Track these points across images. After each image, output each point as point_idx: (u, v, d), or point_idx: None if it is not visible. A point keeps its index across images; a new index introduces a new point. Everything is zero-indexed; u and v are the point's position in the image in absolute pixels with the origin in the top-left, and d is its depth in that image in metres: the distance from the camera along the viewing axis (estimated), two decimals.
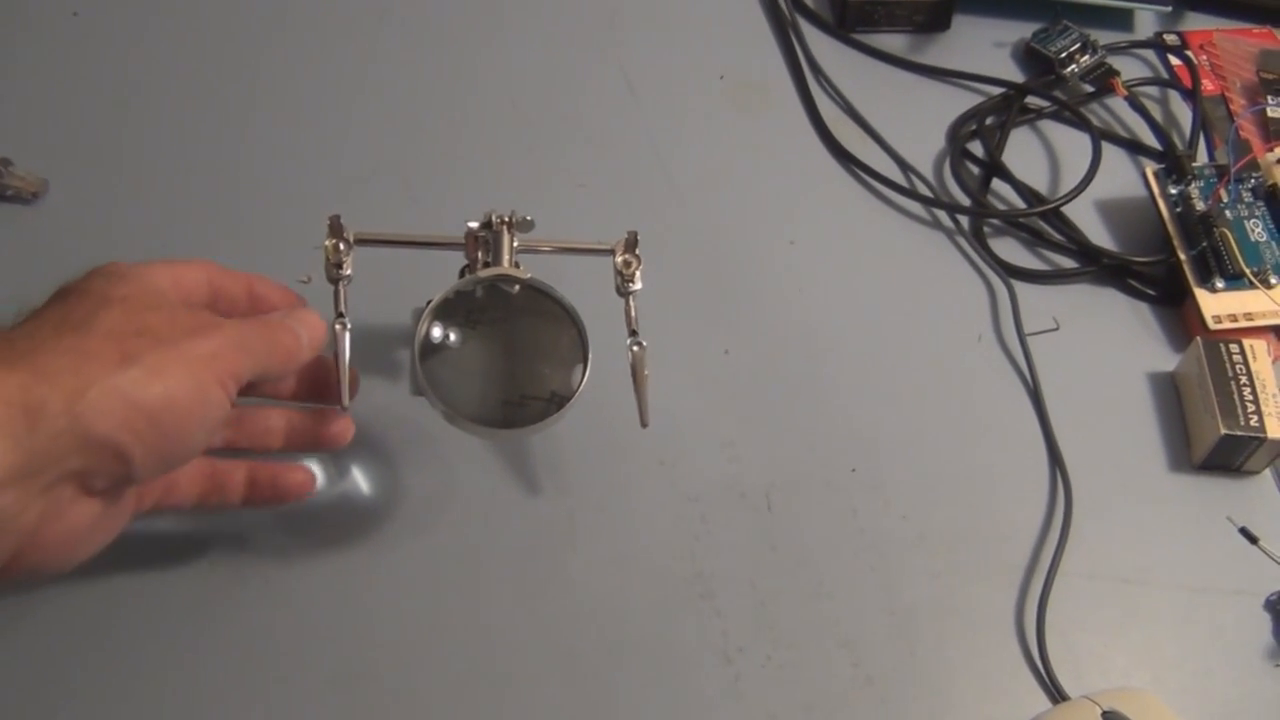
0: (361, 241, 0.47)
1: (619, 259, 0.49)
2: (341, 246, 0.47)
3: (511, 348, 0.47)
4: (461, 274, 0.50)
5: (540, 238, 0.49)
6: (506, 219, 0.48)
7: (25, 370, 0.35)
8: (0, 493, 0.34)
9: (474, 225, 0.48)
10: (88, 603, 0.47)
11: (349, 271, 0.47)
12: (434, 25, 0.69)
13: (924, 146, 0.67)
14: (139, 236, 0.57)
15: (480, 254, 0.48)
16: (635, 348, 0.48)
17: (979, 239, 0.63)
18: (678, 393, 0.55)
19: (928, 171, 0.66)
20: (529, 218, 0.48)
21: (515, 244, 0.48)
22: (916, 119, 0.68)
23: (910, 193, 0.64)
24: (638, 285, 0.49)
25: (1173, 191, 0.62)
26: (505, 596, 0.49)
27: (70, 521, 0.37)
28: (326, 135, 0.63)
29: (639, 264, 0.49)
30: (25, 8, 0.67)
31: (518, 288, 0.47)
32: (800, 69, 0.70)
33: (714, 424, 0.55)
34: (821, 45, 0.71)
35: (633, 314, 0.49)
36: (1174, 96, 0.71)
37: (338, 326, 0.46)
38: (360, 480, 0.52)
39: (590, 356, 0.46)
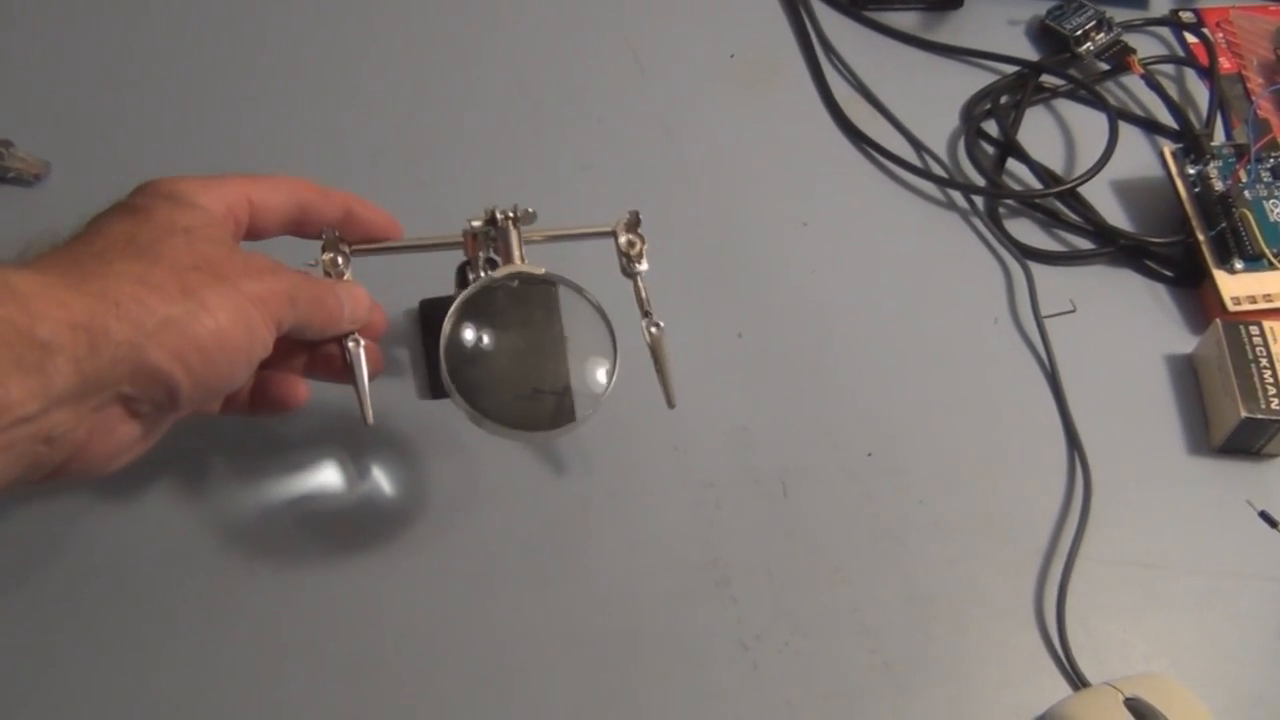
0: (359, 252, 0.47)
1: (622, 240, 0.48)
2: (340, 260, 0.46)
3: (537, 347, 0.46)
4: (460, 271, 0.49)
5: (540, 226, 0.48)
6: (511, 214, 0.46)
7: (94, 295, 0.35)
8: (58, 411, 0.35)
9: (476, 223, 0.47)
10: (99, 595, 0.46)
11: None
12: (439, 3, 0.68)
13: (938, 126, 0.66)
14: None
15: (480, 252, 0.47)
16: (653, 329, 0.47)
17: (994, 220, 0.62)
18: (690, 378, 0.54)
19: (942, 151, 0.65)
20: (531, 210, 0.47)
21: (522, 238, 0.47)
22: (930, 98, 0.67)
23: (924, 173, 0.64)
24: (644, 266, 0.48)
25: (1191, 171, 0.62)
26: (519, 585, 0.48)
27: (113, 438, 0.38)
28: (331, 115, 0.62)
29: (643, 243, 0.48)
30: None
31: (539, 284, 0.46)
32: (812, 47, 0.69)
33: (728, 409, 0.54)
34: (833, 23, 0.70)
35: (643, 295, 0.48)
36: (1190, 75, 0.70)
37: (351, 344, 0.45)
38: (373, 472, 0.51)
39: (619, 353, 0.45)
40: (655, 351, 0.47)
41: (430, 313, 0.54)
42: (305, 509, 0.49)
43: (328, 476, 0.50)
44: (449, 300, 0.51)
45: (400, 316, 0.54)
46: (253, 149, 0.60)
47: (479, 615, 0.47)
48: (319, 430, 0.51)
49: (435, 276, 0.51)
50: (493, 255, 0.48)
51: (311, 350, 0.45)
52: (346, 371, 0.45)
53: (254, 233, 0.44)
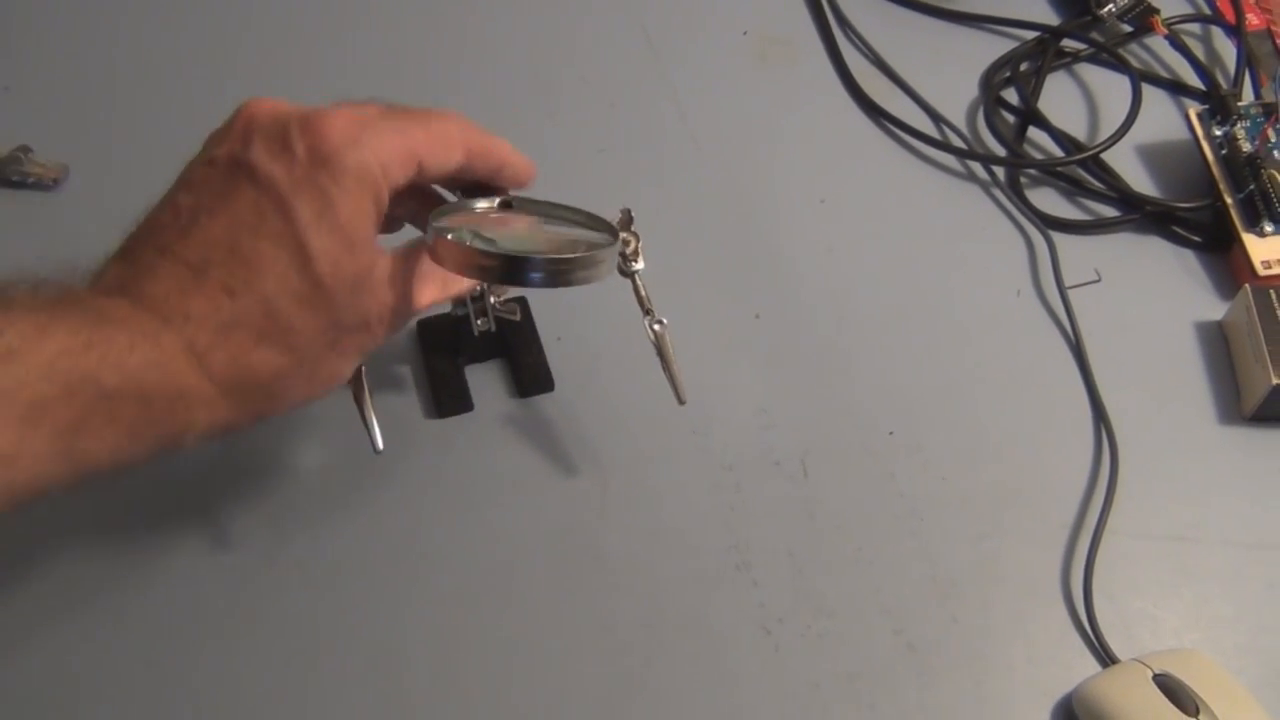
0: None
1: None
2: None
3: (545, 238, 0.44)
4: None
5: None
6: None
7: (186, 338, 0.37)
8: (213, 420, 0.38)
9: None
10: (121, 596, 0.47)
11: None
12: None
13: (956, 96, 0.65)
14: None
15: None
16: (656, 326, 0.47)
17: (1016, 190, 0.61)
18: (709, 360, 0.54)
19: (961, 122, 0.64)
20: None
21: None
22: (948, 68, 0.66)
23: (943, 145, 0.62)
24: (640, 264, 0.47)
25: (1217, 133, 0.60)
26: (539, 571, 0.48)
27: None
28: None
29: (638, 240, 0.47)
30: None
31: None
32: (826, 21, 0.68)
33: (746, 391, 0.54)
34: None
35: (643, 293, 0.47)
36: (1217, 33, 0.68)
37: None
38: (390, 459, 0.51)
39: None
40: (660, 349, 0.47)
41: (429, 333, 0.53)
42: (322, 496, 0.50)
43: (344, 479, 0.51)
44: (446, 319, 0.51)
45: (400, 336, 0.54)
46: None
47: (498, 602, 0.47)
48: (330, 443, 0.51)
49: None
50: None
51: None
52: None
53: (411, 192, 0.41)
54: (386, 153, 0.38)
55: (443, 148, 0.40)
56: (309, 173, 0.37)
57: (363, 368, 0.45)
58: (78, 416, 0.34)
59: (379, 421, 0.45)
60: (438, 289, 0.43)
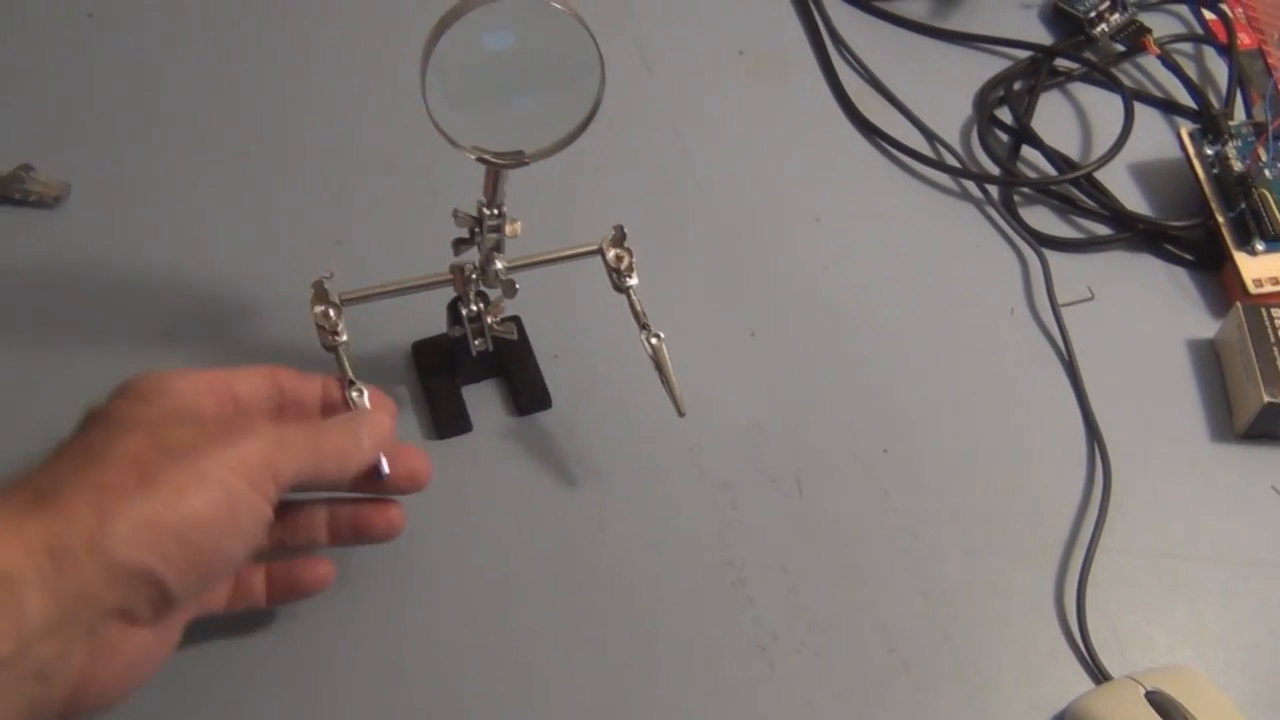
0: (350, 300, 0.47)
1: (610, 255, 0.49)
2: (331, 312, 0.46)
3: None
4: (452, 308, 0.49)
5: (524, 253, 0.48)
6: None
7: (47, 513, 0.34)
8: (41, 644, 0.33)
9: (458, 260, 0.47)
10: None
11: (344, 337, 0.46)
12: (445, 6, 0.68)
13: (950, 115, 0.66)
14: (160, 240, 0.57)
15: (470, 288, 0.48)
16: (653, 340, 0.47)
17: (1009, 208, 0.62)
18: (704, 376, 0.54)
19: (955, 141, 0.65)
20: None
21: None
22: (942, 87, 0.66)
23: (937, 163, 0.63)
24: (634, 280, 0.48)
25: (1209, 152, 0.61)
26: (536, 587, 0.49)
27: (121, 656, 0.36)
28: (346, 131, 0.63)
29: (631, 257, 0.48)
30: (40, 11, 0.66)
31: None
32: (821, 40, 0.68)
33: (742, 408, 0.54)
34: (842, 14, 0.70)
35: (638, 308, 0.48)
36: (1209, 52, 0.69)
37: (354, 394, 0.45)
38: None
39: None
40: (658, 362, 0.47)
41: (424, 355, 0.54)
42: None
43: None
44: (442, 339, 0.51)
45: (396, 356, 0.54)
46: (271, 166, 0.61)
47: (495, 618, 0.48)
48: None
49: (429, 309, 0.51)
50: (483, 289, 0.48)
51: (333, 509, 0.44)
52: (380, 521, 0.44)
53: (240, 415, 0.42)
54: (193, 375, 0.41)
55: (243, 373, 0.42)
56: (131, 400, 0.39)
57: (361, 389, 0.45)
58: None
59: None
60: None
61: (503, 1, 0.38)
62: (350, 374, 0.46)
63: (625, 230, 0.48)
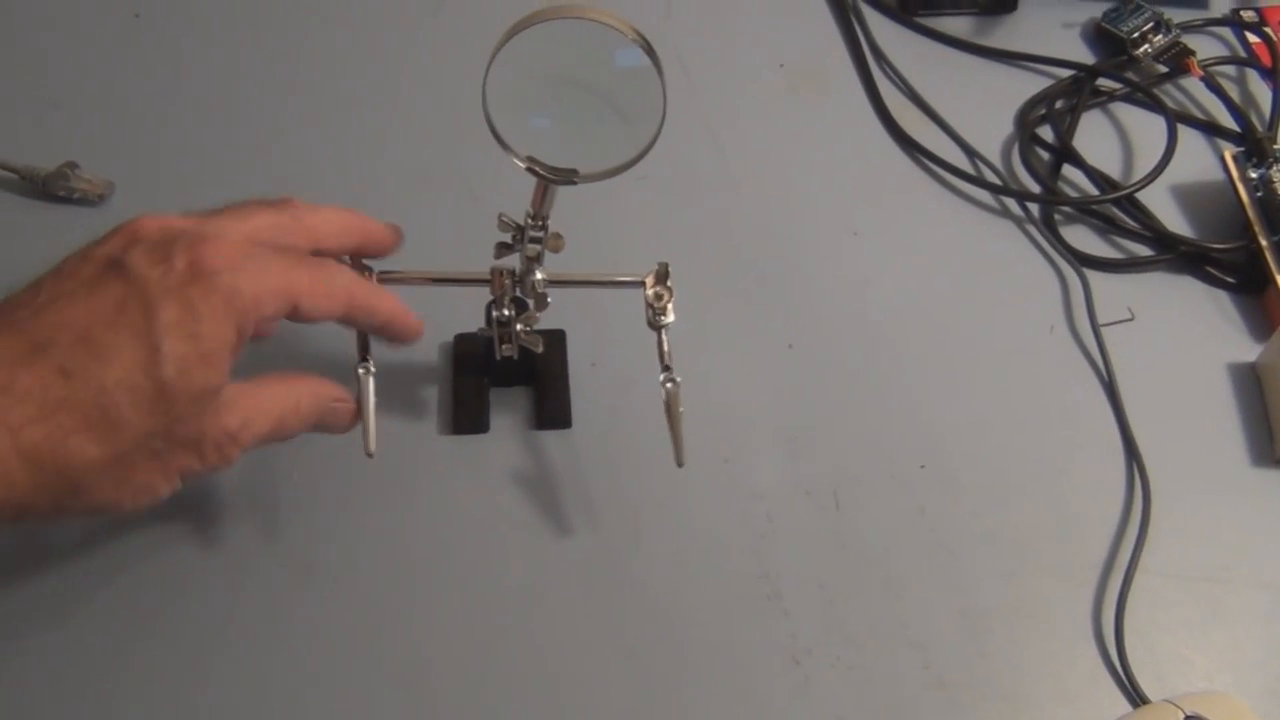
0: (386, 279, 0.47)
1: (650, 291, 0.48)
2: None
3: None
4: (488, 312, 0.49)
5: (570, 270, 0.48)
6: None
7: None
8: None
9: (498, 263, 0.47)
10: (147, 604, 0.47)
11: None
12: (486, 15, 0.68)
13: (991, 132, 0.65)
14: None
15: (504, 293, 0.48)
16: (669, 384, 0.47)
17: (1050, 227, 0.61)
18: (740, 389, 0.54)
19: (996, 158, 0.64)
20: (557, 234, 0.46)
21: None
22: (983, 104, 0.66)
23: (978, 180, 0.63)
24: (670, 318, 0.48)
25: (1253, 175, 0.60)
26: (569, 598, 0.49)
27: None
28: (390, 134, 0.63)
29: (670, 296, 0.48)
30: (88, 10, 0.67)
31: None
32: (862, 55, 0.68)
33: (778, 421, 0.54)
34: (884, 30, 0.70)
35: (665, 349, 0.48)
36: (1253, 76, 0.68)
37: (361, 371, 0.46)
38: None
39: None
40: (669, 407, 0.47)
41: (464, 347, 0.54)
42: (354, 514, 0.50)
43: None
44: (483, 335, 0.51)
45: (434, 351, 0.55)
46: (314, 166, 0.61)
47: (529, 628, 0.48)
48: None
49: (465, 311, 0.51)
50: (519, 295, 0.48)
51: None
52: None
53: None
54: (263, 286, 0.39)
55: (324, 298, 0.42)
56: (181, 283, 0.38)
57: (369, 367, 0.46)
58: None
59: (381, 426, 0.45)
60: (274, 425, 0.42)
61: (589, 24, 0.39)
62: (367, 351, 0.46)
63: (670, 269, 0.48)
